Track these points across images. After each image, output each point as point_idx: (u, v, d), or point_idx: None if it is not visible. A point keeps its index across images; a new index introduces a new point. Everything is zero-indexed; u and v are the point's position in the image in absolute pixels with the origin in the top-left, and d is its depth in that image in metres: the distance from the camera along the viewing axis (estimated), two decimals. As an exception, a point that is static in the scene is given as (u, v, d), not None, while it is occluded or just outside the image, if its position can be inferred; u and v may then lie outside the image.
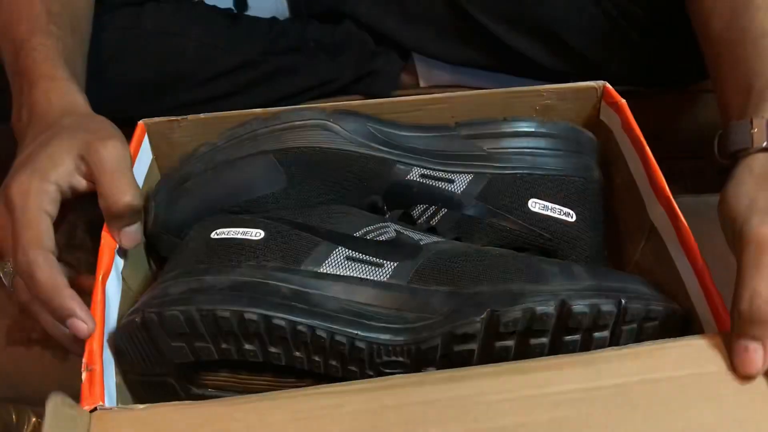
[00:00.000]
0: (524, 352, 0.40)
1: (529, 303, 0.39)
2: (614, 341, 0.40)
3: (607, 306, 0.39)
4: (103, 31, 0.60)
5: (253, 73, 0.67)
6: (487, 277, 0.41)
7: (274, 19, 0.71)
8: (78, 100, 0.47)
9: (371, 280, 0.42)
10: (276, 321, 0.39)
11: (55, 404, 0.33)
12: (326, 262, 0.42)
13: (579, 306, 0.39)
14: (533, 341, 0.40)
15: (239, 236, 0.43)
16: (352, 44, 0.71)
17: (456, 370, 0.37)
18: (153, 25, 0.64)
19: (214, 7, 0.69)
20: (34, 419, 0.47)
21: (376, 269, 0.42)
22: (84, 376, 0.37)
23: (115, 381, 0.40)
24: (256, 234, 0.43)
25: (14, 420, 0.47)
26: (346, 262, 0.43)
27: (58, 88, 0.47)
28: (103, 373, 0.38)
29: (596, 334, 0.40)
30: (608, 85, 0.52)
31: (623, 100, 0.51)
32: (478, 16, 0.68)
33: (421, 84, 0.73)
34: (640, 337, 0.40)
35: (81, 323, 0.39)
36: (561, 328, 0.39)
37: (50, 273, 0.40)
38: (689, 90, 0.70)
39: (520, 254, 0.45)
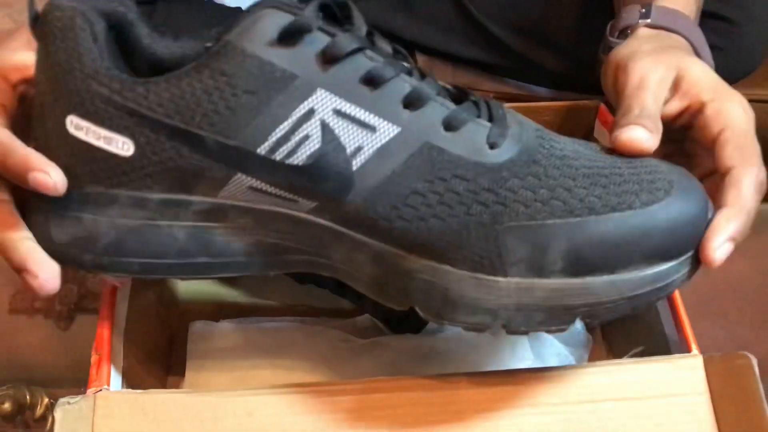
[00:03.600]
0: None
1: (460, 321, 0.35)
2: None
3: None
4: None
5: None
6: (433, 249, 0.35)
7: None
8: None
9: (286, 215, 0.37)
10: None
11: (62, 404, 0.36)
12: (224, 190, 0.36)
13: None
14: None
15: (102, 144, 0.35)
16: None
17: (436, 377, 0.39)
18: (164, 23, 0.67)
19: (223, 5, 0.72)
20: (46, 399, 0.50)
21: (291, 203, 0.36)
22: (93, 359, 0.40)
23: (122, 365, 0.43)
24: (124, 146, 0.35)
25: (28, 400, 0.50)
26: (250, 193, 0.36)
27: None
28: (110, 359, 0.40)
29: None
30: (603, 105, 0.54)
31: (612, 119, 0.53)
32: (485, 21, 0.70)
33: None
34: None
35: (42, 174, 0.35)
36: None
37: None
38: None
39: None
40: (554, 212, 0.34)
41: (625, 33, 0.49)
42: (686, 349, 0.41)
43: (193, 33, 0.38)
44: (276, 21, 0.34)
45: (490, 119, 0.36)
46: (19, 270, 0.37)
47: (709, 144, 0.40)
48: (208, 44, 0.35)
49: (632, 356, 0.45)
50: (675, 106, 0.41)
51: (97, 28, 0.35)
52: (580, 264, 0.34)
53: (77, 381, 0.41)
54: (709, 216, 0.36)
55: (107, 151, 0.35)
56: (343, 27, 0.35)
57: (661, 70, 0.42)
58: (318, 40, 0.34)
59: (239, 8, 0.72)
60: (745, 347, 0.39)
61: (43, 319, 0.58)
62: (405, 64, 0.36)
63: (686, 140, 0.43)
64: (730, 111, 0.40)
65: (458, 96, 0.38)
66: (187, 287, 0.54)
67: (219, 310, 0.53)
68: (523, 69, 0.73)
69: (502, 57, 0.72)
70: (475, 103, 0.37)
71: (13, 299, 0.59)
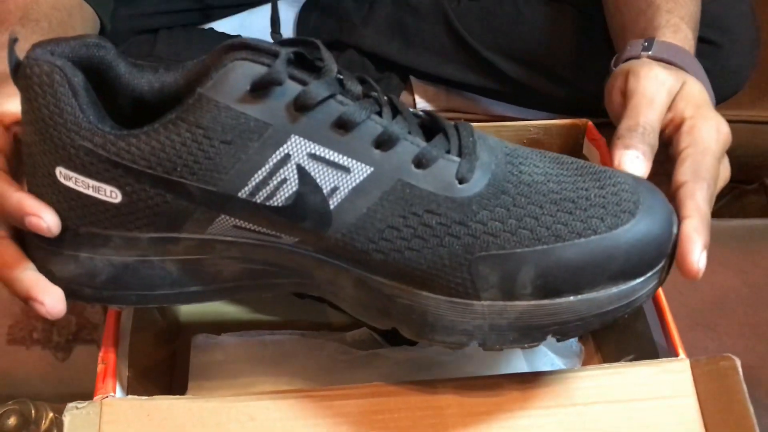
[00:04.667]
0: None
1: (438, 341, 0.38)
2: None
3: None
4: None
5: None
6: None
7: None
8: None
9: (271, 247, 0.38)
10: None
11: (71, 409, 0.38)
12: (210, 228, 0.38)
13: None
14: None
15: (91, 192, 0.37)
16: (354, 71, 0.75)
17: (426, 382, 0.40)
18: (167, 52, 0.69)
19: (223, 33, 0.74)
20: (51, 414, 0.51)
21: (274, 238, 0.38)
22: (99, 368, 0.41)
23: (127, 375, 0.44)
24: (112, 194, 0.37)
25: (33, 414, 0.51)
26: (235, 230, 0.38)
27: None
28: (116, 368, 0.41)
29: None
30: (590, 123, 0.56)
31: (602, 138, 0.54)
32: (479, 47, 0.72)
33: (418, 108, 0.77)
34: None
35: (36, 219, 0.36)
36: None
37: None
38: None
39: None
40: (522, 241, 0.36)
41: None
42: (674, 354, 0.42)
43: (171, 64, 0.39)
44: (247, 73, 0.34)
45: (460, 153, 0.37)
46: (26, 299, 0.38)
47: (674, 158, 0.42)
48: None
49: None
50: (666, 117, 0.44)
51: (76, 81, 0.35)
52: (548, 287, 0.36)
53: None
54: (674, 231, 0.38)
55: (97, 198, 0.37)
56: (314, 71, 0.36)
57: (671, 80, 0.44)
58: (289, 91, 0.35)
59: (239, 36, 0.74)
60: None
61: (41, 350, 0.58)
62: (376, 103, 0.37)
63: (668, 159, 0.45)
64: (701, 129, 0.42)
65: (430, 125, 0.39)
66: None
67: (220, 326, 0.54)
68: (518, 93, 0.76)
69: (497, 82, 0.75)
70: (446, 134, 0.38)
71: (11, 330, 0.59)
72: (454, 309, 0.37)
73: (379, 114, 0.37)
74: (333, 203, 0.36)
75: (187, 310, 0.56)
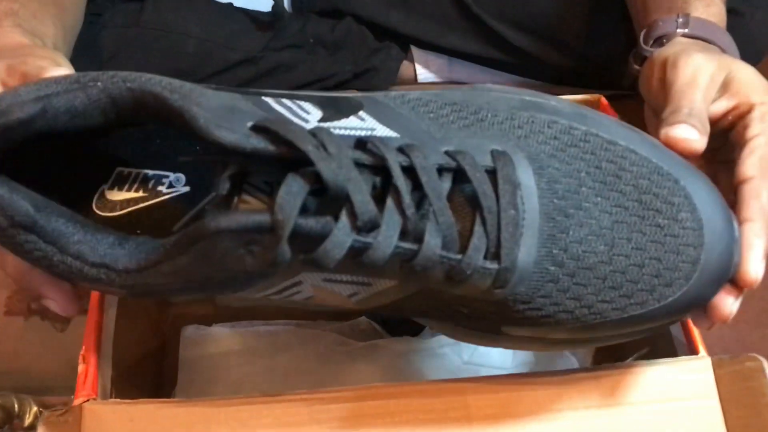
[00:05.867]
0: None
1: None
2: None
3: None
4: (104, 29, 0.62)
5: (253, 69, 0.68)
6: None
7: (274, 14, 0.72)
8: (20, 40, 0.42)
9: None
10: None
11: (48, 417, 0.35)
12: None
13: None
14: None
15: None
16: (352, 40, 0.72)
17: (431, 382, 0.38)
18: (154, 22, 0.65)
19: (213, 1, 0.71)
20: (35, 408, 0.49)
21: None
22: (80, 368, 0.39)
23: (111, 374, 0.42)
24: None
25: (16, 409, 0.49)
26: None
27: None
28: (98, 366, 0.39)
29: None
30: (603, 98, 0.53)
31: (616, 114, 0.52)
32: (484, 15, 0.69)
33: (419, 79, 0.74)
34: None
35: (53, 304, 0.36)
36: None
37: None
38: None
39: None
40: (559, 323, 0.33)
41: (660, 42, 0.49)
42: (694, 351, 0.39)
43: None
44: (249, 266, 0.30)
45: (498, 252, 0.31)
46: (39, 298, 0.37)
47: (739, 145, 0.38)
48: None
49: (637, 358, 0.44)
50: (722, 105, 0.40)
51: None
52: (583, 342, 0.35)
53: (73, 386, 0.40)
54: (735, 259, 0.34)
55: None
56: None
57: (713, 68, 0.41)
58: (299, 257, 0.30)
59: (230, 4, 0.71)
60: (750, 346, 0.38)
61: (40, 321, 0.57)
62: (397, 210, 0.30)
63: (725, 146, 0.41)
64: None
65: (464, 234, 0.32)
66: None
67: (213, 314, 0.51)
68: (523, 64, 0.73)
69: (501, 52, 0.72)
70: (484, 222, 0.31)
71: (9, 301, 0.59)
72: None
73: (404, 228, 0.30)
74: (353, 301, 0.34)
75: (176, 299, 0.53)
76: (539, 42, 0.70)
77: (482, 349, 0.48)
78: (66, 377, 0.42)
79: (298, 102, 0.33)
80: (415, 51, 0.74)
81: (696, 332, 0.40)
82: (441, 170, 0.31)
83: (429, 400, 0.37)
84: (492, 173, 0.32)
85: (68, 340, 0.57)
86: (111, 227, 0.34)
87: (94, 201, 0.37)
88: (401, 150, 0.31)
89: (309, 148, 0.29)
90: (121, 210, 0.37)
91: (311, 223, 0.29)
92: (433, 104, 0.34)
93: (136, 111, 0.32)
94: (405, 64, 0.74)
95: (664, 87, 0.42)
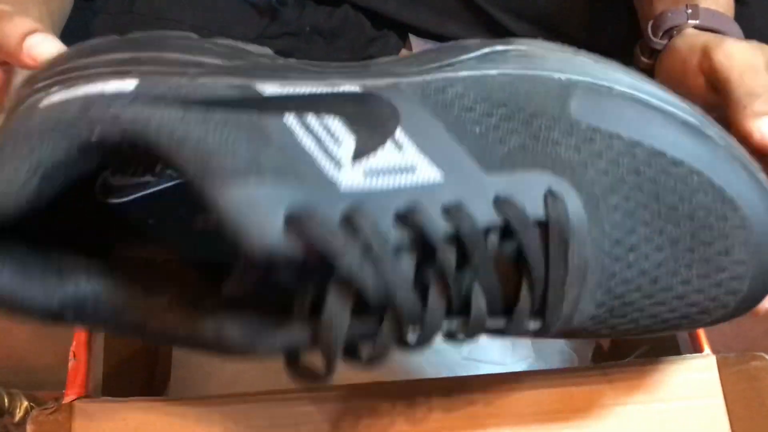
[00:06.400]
0: None
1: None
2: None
3: None
4: (96, 15, 0.60)
5: (248, 58, 0.67)
6: None
7: (269, 2, 0.71)
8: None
9: None
10: None
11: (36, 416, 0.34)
12: None
13: None
14: None
15: None
16: (349, 29, 0.71)
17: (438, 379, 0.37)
18: (147, 9, 0.64)
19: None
20: (26, 403, 0.48)
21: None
22: (70, 365, 0.38)
23: (102, 371, 0.41)
24: None
25: (6, 404, 0.48)
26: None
27: None
28: (89, 363, 0.38)
29: None
30: None
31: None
32: (485, 5, 0.68)
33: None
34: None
35: (37, 37, 0.33)
36: None
37: None
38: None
39: None
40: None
41: (670, 33, 0.48)
42: (698, 348, 0.39)
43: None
44: None
45: (541, 314, 0.30)
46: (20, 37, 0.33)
47: None
48: None
49: (639, 355, 0.43)
50: None
51: None
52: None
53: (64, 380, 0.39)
54: None
55: None
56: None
57: (759, 51, 0.40)
58: None
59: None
60: (753, 342, 0.37)
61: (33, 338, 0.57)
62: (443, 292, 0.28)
63: None
64: None
65: (509, 294, 0.30)
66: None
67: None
68: (523, 54, 0.72)
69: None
70: (531, 285, 0.29)
71: None
72: None
73: (448, 308, 0.28)
74: None
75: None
76: (541, 32, 0.69)
77: (481, 344, 0.47)
78: (57, 372, 0.41)
79: (324, 120, 0.28)
80: (414, 40, 0.73)
81: (700, 329, 0.39)
82: (488, 230, 0.28)
83: (428, 397, 0.36)
84: (544, 226, 0.28)
85: (59, 333, 0.57)
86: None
87: (97, 188, 0.33)
88: (447, 211, 0.27)
89: (347, 262, 0.25)
90: (129, 195, 0.33)
91: (355, 332, 0.27)
92: (480, 108, 0.30)
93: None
94: (403, 53, 0.73)
95: (712, 74, 0.40)
